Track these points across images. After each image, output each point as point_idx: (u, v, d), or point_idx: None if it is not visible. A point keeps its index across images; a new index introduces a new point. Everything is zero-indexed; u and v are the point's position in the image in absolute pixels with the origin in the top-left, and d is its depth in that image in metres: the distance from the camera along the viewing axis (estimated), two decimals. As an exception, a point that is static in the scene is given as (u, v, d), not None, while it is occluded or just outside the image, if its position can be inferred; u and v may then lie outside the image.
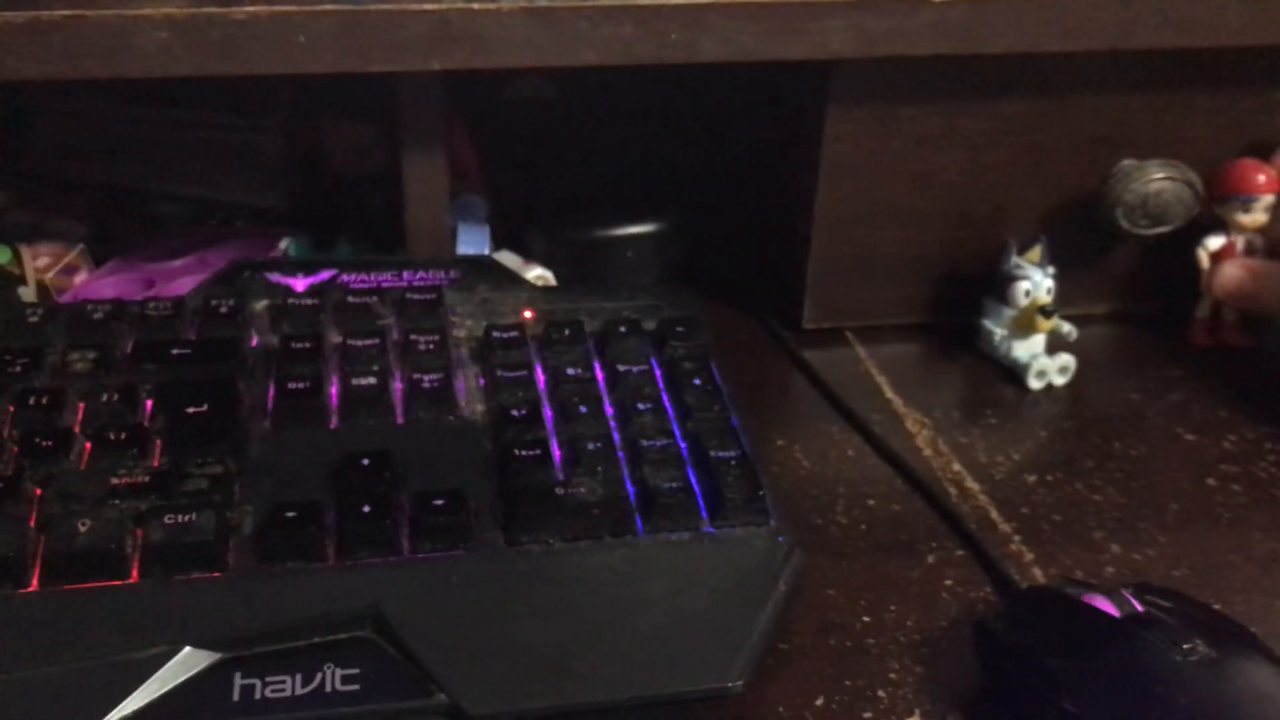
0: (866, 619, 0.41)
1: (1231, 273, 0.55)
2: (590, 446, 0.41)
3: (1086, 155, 0.54)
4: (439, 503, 0.39)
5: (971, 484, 0.47)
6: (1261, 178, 0.53)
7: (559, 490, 0.40)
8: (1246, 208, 0.54)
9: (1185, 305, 0.57)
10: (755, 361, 0.55)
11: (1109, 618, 0.36)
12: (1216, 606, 0.41)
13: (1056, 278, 0.53)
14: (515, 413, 0.43)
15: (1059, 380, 0.54)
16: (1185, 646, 0.34)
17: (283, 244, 0.58)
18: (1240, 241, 0.55)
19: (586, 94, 0.63)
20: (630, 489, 0.40)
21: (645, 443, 0.42)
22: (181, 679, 0.34)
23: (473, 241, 0.56)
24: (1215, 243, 0.55)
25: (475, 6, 0.44)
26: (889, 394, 0.53)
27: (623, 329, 0.47)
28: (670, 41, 0.45)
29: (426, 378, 0.44)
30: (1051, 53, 0.49)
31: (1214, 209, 0.54)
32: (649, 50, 0.46)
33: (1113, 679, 0.34)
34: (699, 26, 0.45)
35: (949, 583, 0.42)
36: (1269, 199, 0.54)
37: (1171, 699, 0.33)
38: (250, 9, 0.43)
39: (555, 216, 0.59)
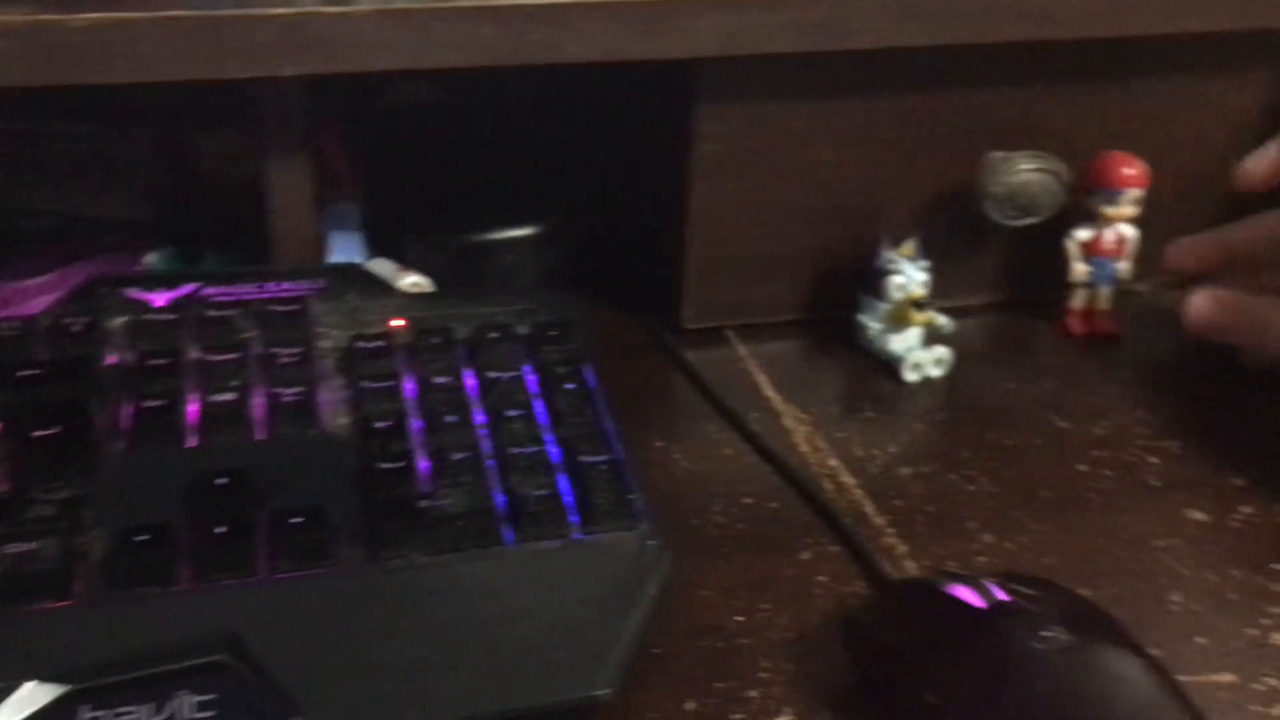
0: (740, 619, 0.40)
1: (1200, 307, 0.52)
2: (456, 457, 0.41)
3: (957, 148, 0.55)
4: (298, 520, 0.38)
5: (847, 478, 0.48)
6: (1129, 171, 0.54)
7: (423, 503, 0.39)
8: (1113, 201, 0.55)
9: (1060, 295, 0.58)
10: (636, 363, 0.55)
11: (972, 608, 0.36)
12: (1085, 592, 0.42)
13: (930, 271, 0.54)
14: (379, 425, 0.42)
15: (935, 372, 0.54)
16: (1045, 634, 0.34)
17: (148, 258, 0.56)
18: (1108, 232, 0.56)
19: (465, 97, 0.62)
20: (498, 498, 0.40)
21: (514, 450, 0.41)
22: (23, 715, 0.33)
23: (345, 249, 0.55)
24: (1084, 234, 0.56)
25: (327, 10, 0.43)
26: (768, 391, 0.53)
27: (494, 335, 0.47)
28: (532, 42, 0.45)
29: (288, 392, 0.43)
30: (916, 47, 0.49)
31: (1083, 201, 0.55)
32: (510, 51, 0.45)
33: (973, 669, 0.34)
34: (560, 26, 0.45)
35: (823, 578, 0.42)
36: (1136, 192, 0.55)
37: (1030, 686, 0.33)
38: (92, 16, 0.42)
39: (432, 222, 0.58)
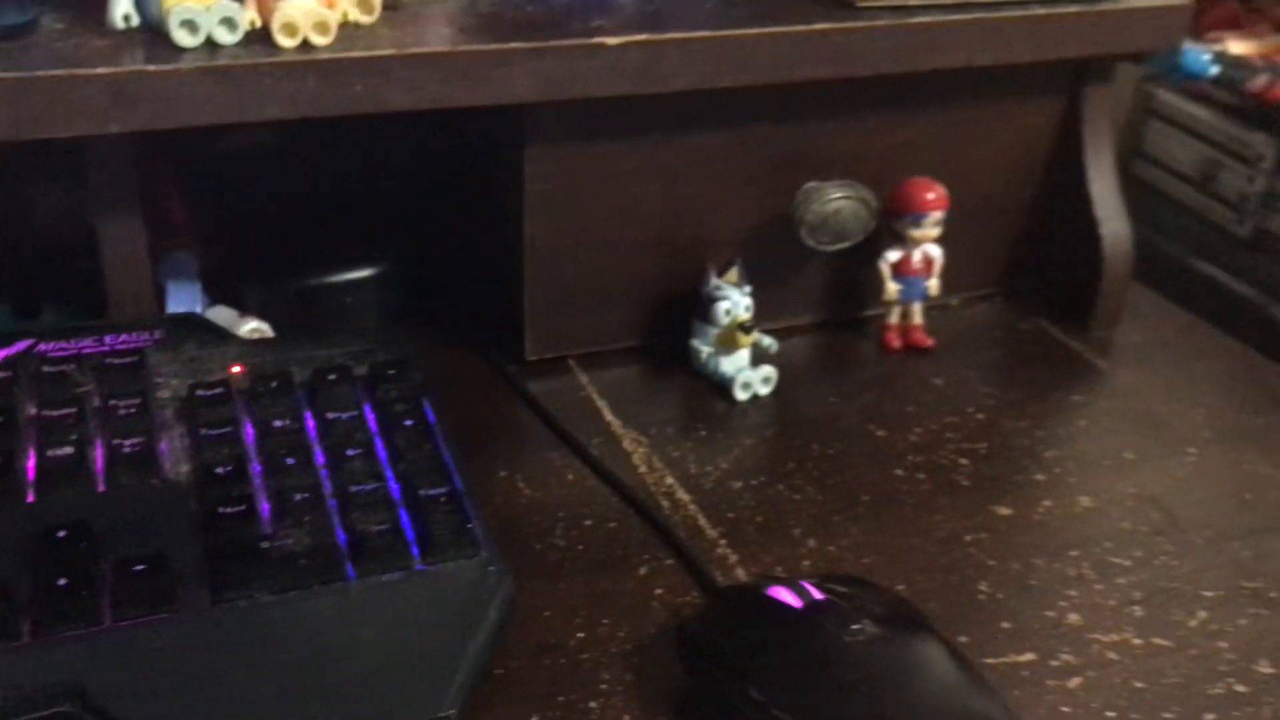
0: (581, 635, 0.42)
1: None
2: (298, 497, 0.42)
3: (775, 179, 0.58)
4: (140, 568, 0.38)
5: (683, 495, 0.50)
6: (931, 195, 0.58)
7: (264, 544, 0.40)
8: (918, 223, 0.59)
9: (877, 312, 0.62)
10: (480, 397, 0.56)
11: (790, 608, 0.39)
12: (901, 587, 0.45)
13: (754, 295, 0.57)
14: (219, 470, 0.43)
15: (763, 390, 0.57)
16: (854, 628, 0.37)
17: (-19, 316, 0.56)
18: (916, 253, 0.60)
19: (302, 141, 0.63)
20: (341, 535, 0.41)
21: (355, 488, 0.43)
22: None
23: (183, 299, 0.56)
24: (894, 255, 0.60)
25: (151, 69, 0.44)
26: (609, 416, 0.55)
27: (332, 376, 0.48)
28: (355, 93, 0.46)
29: (127, 443, 0.43)
30: (728, 88, 0.52)
31: (891, 225, 0.59)
32: (334, 103, 0.46)
33: (791, 664, 0.37)
34: (383, 77, 0.47)
35: (659, 591, 0.45)
36: (938, 215, 0.59)
37: (841, 676, 0.36)
38: (-90, 79, 0.42)
39: (271, 268, 0.59)
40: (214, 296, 0.58)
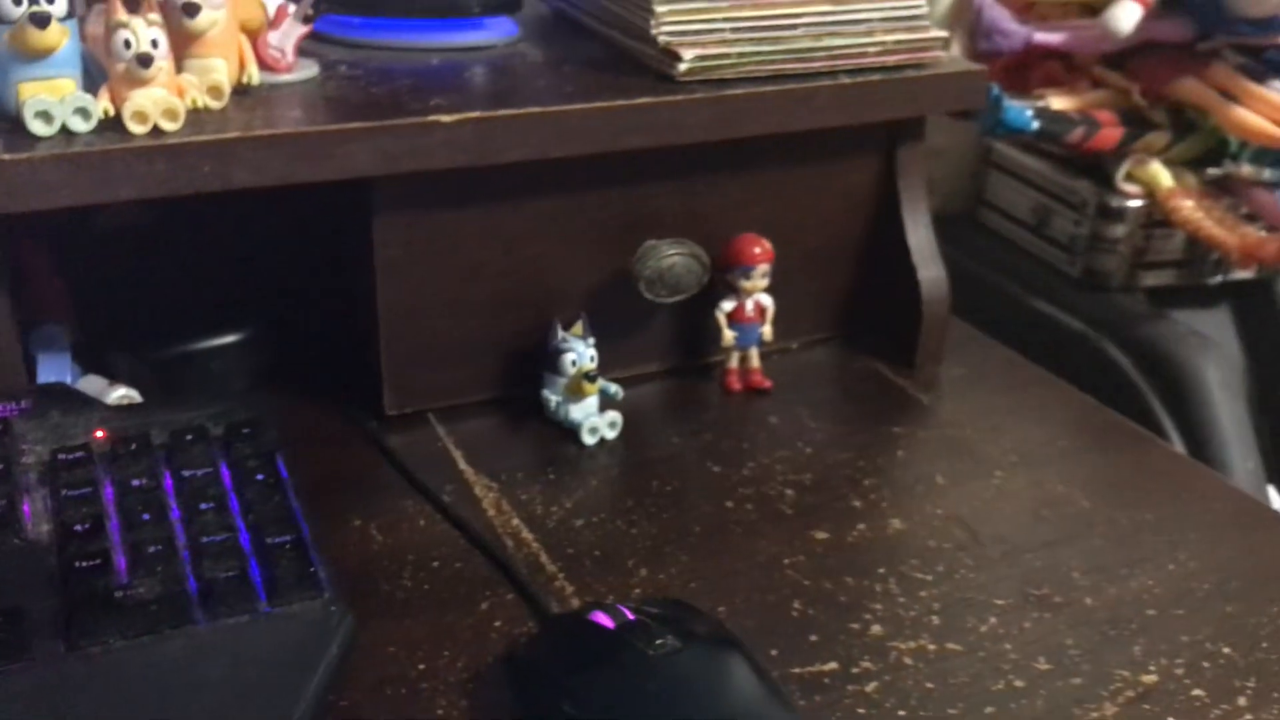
0: (422, 667, 0.46)
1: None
2: (151, 549, 0.45)
3: (613, 239, 0.63)
4: (-5, 622, 0.41)
5: (527, 534, 0.54)
6: (757, 250, 0.63)
7: (119, 593, 0.43)
8: (748, 275, 0.64)
9: (718, 358, 0.67)
10: (342, 452, 0.60)
11: (603, 629, 0.43)
12: (722, 609, 0.49)
13: (599, 347, 0.61)
14: (78, 528, 0.46)
15: (610, 434, 0.61)
16: (658, 642, 0.41)
17: None
18: (748, 303, 0.64)
19: (169, 214, 0.66)
20: (191, 583, 0.44)
21: (206, 539, 0.46)
22: None
23: (53, 370, 0.58)
24: (728, 305, 0.64)
25: (7, 157, 0.47)
26: (463, 465, 0.59)
27: (189, 437, 0.51)
28: (203, 174, 0.50)
29: (-10, 506, 0.46)
30: (558, 158, 0.57)
31: (725, 278, 0.64)
32: (184, 183, 0.50)
33: (602, 680, 0.41)
34: (229, 158, 0.50)
35: (499, 624, 0.48)
36: (765, 267, 0.64)
37: (643, 686, 0.40)
38: None
39: (139, 337, 0.62)
40: (85, 366, 0.61)
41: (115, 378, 0.60)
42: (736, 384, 0.66)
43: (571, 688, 0.41)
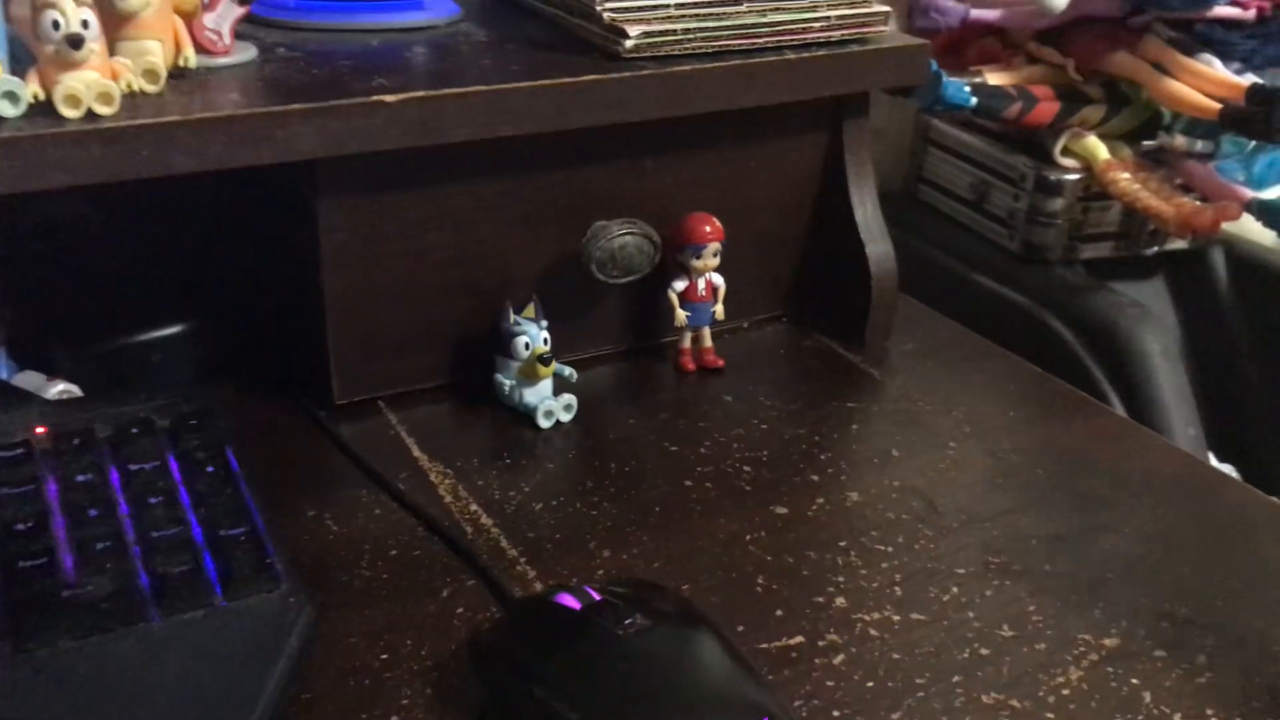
0: (385, 657, 0.45)
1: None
2: (99, 546, 0.43)
3: (563, 220, 0.62)
4: (-62, 626, 0.39)
5: (486, 520, 0.53)
6: (708, 228, 0.63)
7: (66, 593, 0.41)
8: (699, 254, 0.63)
9: (671, 338, 0.66)
10: (292, 442, 0.58)
11: (569, 610, 0.42)
12: (686, 587, 0.49)
13: (552, 329, 0.60)
14: (20, 526, 0.44)
15: (565, 417, 0.61)
16: (626, 622, 0.41)
17: None
18: (700, 282, 0.64)
19: (109, 205, 0.65)
20: (144, 579, 0.43)
21: (157, 534, 0.44)
22: None
23: (-13, 367, 0.57)
24: (680, 285, 0.64)
25: (-68, 143, 0.45)
26: (417, 452, 0.58)
27: (135, 430, 0.50)
28: (141, 158, 0.49)
29: (-75, 508, 0.45)
30: (509, 136, 0.56)
31: (675, 257, 0.64)
32: (122, 168, 0.48)
33: (570, 661, 0.40)
34: (167, 142, 0.49)
35: (461, 610, 0.48)
36: (716, 245, 0.63)
37: (614, 667, 0.39)
38: None
39: (78, 330, 0.60)
40: (22, 362, 0.59)
41: (53, 373, 0.58)
42: (690, 364, 0.66)
43: (540, 671, 0.40)
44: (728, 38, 0.61)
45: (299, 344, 0.62)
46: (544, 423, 0.60)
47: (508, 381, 0.61)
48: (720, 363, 0.66)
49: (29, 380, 0.58)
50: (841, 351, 0.68)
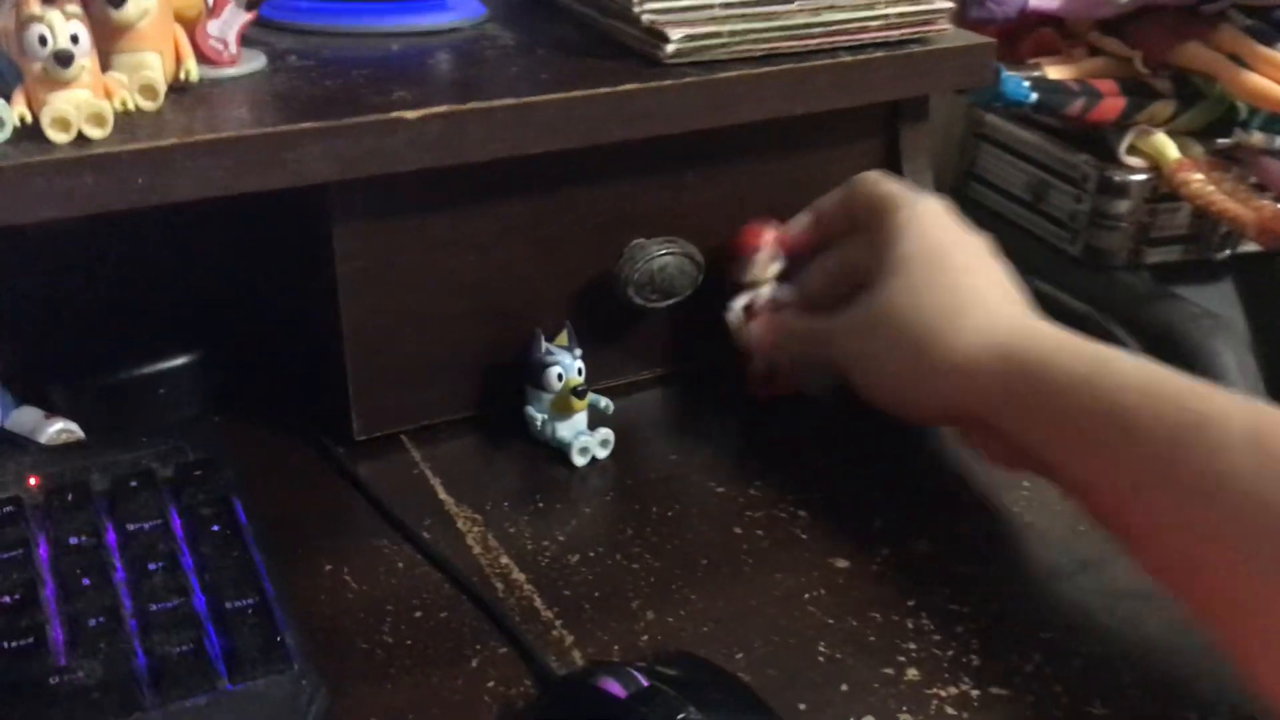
0: (408, 740, 0.41)
1: (759, 332, 0.58)
2: (92, 623, 0.39)
3: (596, 240, 0.57)
4: (-89, 723, 0.35)
5: (518, 575, 0.49)
6: (768, 236, 0.58)
7: (54, 679, 0.37)
8: (754, 264, 0.58)
9: (714, 361, 0.61)
10: (307, 483, 0.54)
11: (615, 699, 0.37)
12: (739, 655, 0.44)
13: (585, 357, 0.56)
14: (6, 600, 0.40)
15: (602, 454, 0.56)
16: (680, 716, 0.36)
17: None
18: (762, 295, 0.59)
19: (106, 230, 0.60)
20: (140, 660, 0.39)
21: (155, 606, 0.40)
22: None
23: (-19, 405, 0.53)
24: (741, 301, 0.59)
25: (-94, 174, 0.41)
26: (442, 494, 0.53)
27: (134, 483, 0.46)
28: (138, 186, 0.44)
29: (-99, 577, 0.41)
30: (535, 154, 0.51)
31: (733, 273, 0.58)
32: (116, 197, 0.44)
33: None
34: (167, 168, 0.45)
35: (491, 684, 0.43)
36: (770, 251, 0.58)
37: (666, 771, 0.35)
38: None
39: (77, 363, 0.56)
40: (19, 397, 0.55)
41: (52, 409, 0.54)
42: (766, 390, 0.60)
43: (582, 771, 0.36)
44: (777, 40, 0.56)
45: (313, 376, 0.58)
46: (579, 460, 0.55)
47: (539, 415, 0.56)
48: (796, 386, 0.60)
49: (25, 417, 0.54)
50: (898, 375, 0.63)
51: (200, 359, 0.57)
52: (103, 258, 0.58)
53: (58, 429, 0.53)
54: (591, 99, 0.51)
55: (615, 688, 0.38)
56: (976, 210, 0.95)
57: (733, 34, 0.55)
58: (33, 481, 0.46)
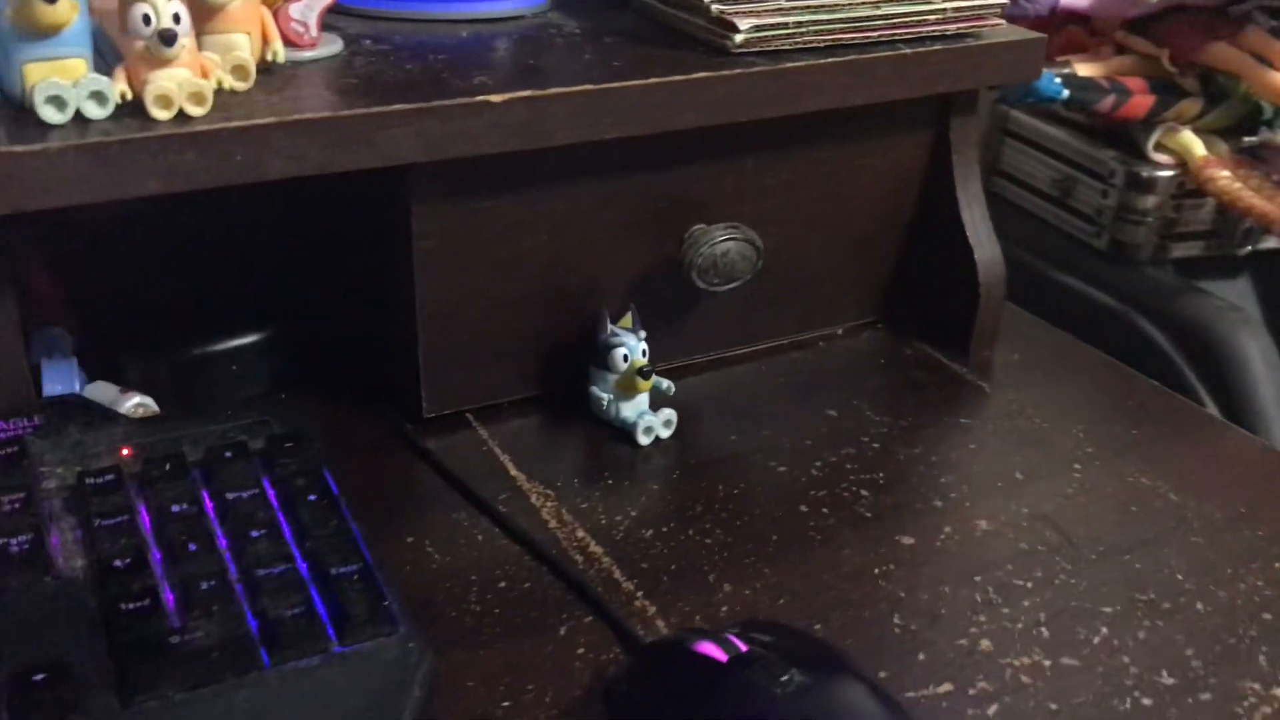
0: (506, 704, 0.42)
1: None
2: (204, 586, 0.40)
3: (661, 225, 0.59)
4: (39, 678, 0.36)
5: (596, 548, 0.50)
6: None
7: (173, 639, 0.38)
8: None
9: (768, 345, 0.63)
10: (380, 460, 0.55)
11: (716, 663, 0.39)
12: (817, 627, 0.46)
13: (649, 340, 0.57)
14: (118, 563, 0.41)
15: (665, 434, 0.57)
16: (783, 679, 0.38)
17: None
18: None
19: (177, 207, 0.61)
20: (252, 623, 0.40)
21: (262, 572, 0.41)
22: None
23: (59, 378, 0.53)
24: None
25: (18, 149, 0.42)
26: (513, 471, 0.55)
27: (228, 454, 0.46)
28: (236, 163, 0.45)
29: (14, 541, 0.41)
30: (605, 140, 0.53)
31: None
32: (215, 174, 0.45)
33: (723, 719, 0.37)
34: (263, 146, 0.46)
35: (581, 651, 0.44)
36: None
37: (774, 729, 0.36)
38: None
39: (150, 339, 0.57)
40: (92, 373, 0.55)
41: (126, 384, 0.55)
42: None
43: (689, 729, 0.37)
44: (840, 31, 0.57)
45: (381, 354, 0.59)
46: (643, 439, 0.57)
47: (605, 395, 0.57)
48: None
49: (101, 392, 0.54)
50: (946, 362, 0.65)
51: (271, 337, 0.58)
52: (175, 236, 0.59)
53: (134, 403, 0.54)
54: (667, 86, 0.53)
55: (715, 650, 0.39)
56: (1001, 205, 0.97)
57: (798, 24, 0.56)
58: (125, 452, 0.47)
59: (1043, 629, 0.46)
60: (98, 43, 0.47)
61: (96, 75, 0.45)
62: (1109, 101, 0.83)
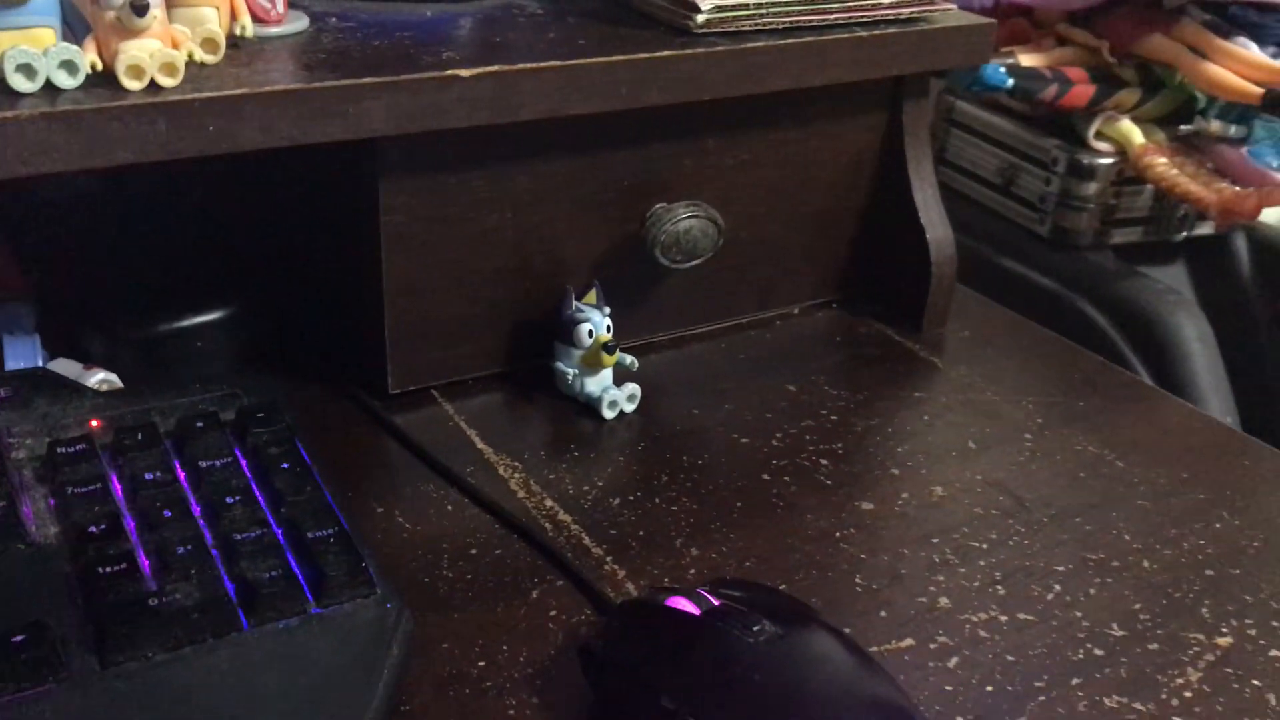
0: (482, 664, 0.43)
1: None
2: (180, 550, 0.41)
3: (624, 203, 0.60)
4: (19, 639, 0.37)
5: (564, 516, 0.51)
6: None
7: (152, 600, 0.39)
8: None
9: (730, 323, 0.64)
10: (347, 434, 0.56)
11: (691, 616, 0.40)
12: (782, 587, 0.47)
13: (613, 316, 0.58)
14: (93, 529, 0.41)
15: (629, 408, 0.58)
16: (755, 629, 0.39)
17: None
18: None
19: (131, 182, 0.61)
20: (229, 586, 0.40)
21: (238, 536, 0.42)
22: None
23: (22, 354, 0.53)
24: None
25: (-12, 115, 0.42)
26: (480, 444, 0.55)
27: (199, 424, 0.47)
28: (208, 134, 0.45)
29: (-13, 509, 0.41)
30: (576, 115, 0.54)
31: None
32: (187, 144, 0.45)
33: (700, 669, 0.38)
34: (235, 117, 0.46)
35: (554, 613, 0.45)
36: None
37: (748, 677, 0.37)
38: None
39: (113, 315, 0.56)
40: (54, 349, 0.55)
41: (89, 360, 0.55)
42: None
43: (666, 680, 0.38)
44: (799, 13, 0.59)
45: (347, 330, 0.60)
46: (608, 413, 0.58)
47: (570, 370, 0.58)
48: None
49: (64, 368, 0.54)
50: (899, 339, 0.67)
51: (236, 313, 0.58)
52: (139, 211, 0.59)
53: (99, 379, 0.53)
54: (632, 64, 0.54)
55: (688, 604, 0.40)
56: (946, 193, 0.99)
57: (758, 6, 0.57)
58: (95, 423, 0.47)
59: (998, 587, 0.48)
60: (65, 14, 0.47)
61: (66, 44, 0.45)
62: (1051, 91, 0.85)
